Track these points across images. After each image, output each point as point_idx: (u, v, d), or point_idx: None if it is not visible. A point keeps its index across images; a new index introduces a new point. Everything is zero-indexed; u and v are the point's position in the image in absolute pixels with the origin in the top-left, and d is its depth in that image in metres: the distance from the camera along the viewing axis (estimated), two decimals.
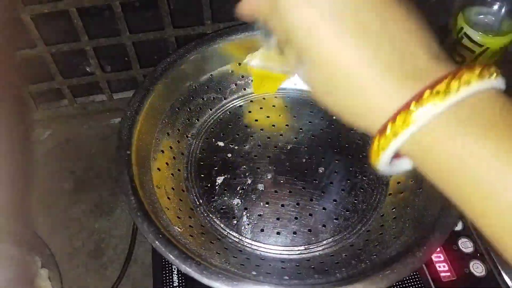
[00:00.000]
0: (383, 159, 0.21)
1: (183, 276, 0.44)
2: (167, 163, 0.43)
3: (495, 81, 0.19)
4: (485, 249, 0.49)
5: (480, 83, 0.19)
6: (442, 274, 0.48)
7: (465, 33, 0.54)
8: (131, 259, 0.51)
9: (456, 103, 0.19)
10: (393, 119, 0.20)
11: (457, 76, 0.19)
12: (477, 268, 0.48)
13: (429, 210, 0.37)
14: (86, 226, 0.54)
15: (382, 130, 0.20)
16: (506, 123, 0.19)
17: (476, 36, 0.53)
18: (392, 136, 0.20)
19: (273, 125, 0.49)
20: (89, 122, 0.65)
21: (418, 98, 0.19)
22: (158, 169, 0.42)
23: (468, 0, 0.56)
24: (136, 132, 0.40)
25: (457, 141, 0.19)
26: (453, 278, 0.47)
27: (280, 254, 0.40)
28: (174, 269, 0.43)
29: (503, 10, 0.52)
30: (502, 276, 0.48)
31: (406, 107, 0.19)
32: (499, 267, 0.48)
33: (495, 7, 0.53)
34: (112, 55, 0.63)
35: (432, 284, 0.47)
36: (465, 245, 0.49)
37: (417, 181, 0.41)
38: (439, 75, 0.19)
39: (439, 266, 0.48)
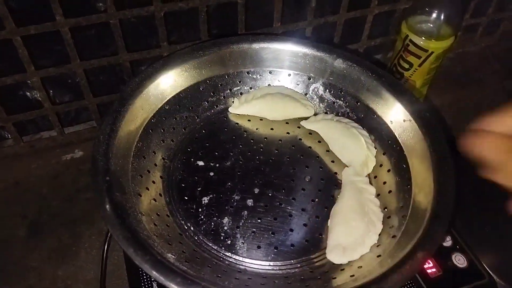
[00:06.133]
0: None
1: None
2: (147, 188, 0.40)
3: None
4: (463, 241, 0.51)
5: None
6: (429, 271, 0.48)
7: (410, 40, 0.58)
8: None
9: None
10: None
11: None
12: (459, 260, 0.50)
13: (422, 203, 0.38)
14: (48, 274, 0.48)
15: None
16: None
17: (420, 41, 0.57)
18: None
19: (252, 140, 0.47)
20: (37, 161, 0.59)
21: None
22: (139, 195, 0.38)
23: (409, 10, 0.60)
24: (112, 156, 0.37)
25: None
26: (440, 273, 0.48)
27: (280, 269, 0.38)
28: None
29: (441, 17, 0.57)
30: (483, 265, 0.50)
31: None
32: (478, 257, 0.49)
33: (434, 15, 0.57)
34: (60, 85, 0.59)
35: (422, 282, 0.47)
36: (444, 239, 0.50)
37: (403, 178, 0.42)
38: None
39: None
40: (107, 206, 0.33)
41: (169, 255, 0.34)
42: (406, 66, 0.60)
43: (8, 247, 0.50)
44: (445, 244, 0.50)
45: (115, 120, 0.39)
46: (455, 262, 0.49)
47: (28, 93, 0.58)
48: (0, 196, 0.55)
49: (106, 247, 0.48)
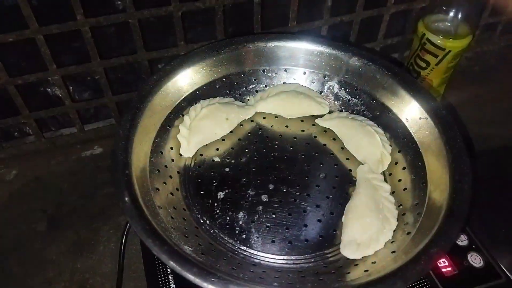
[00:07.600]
0: None
1: None
2: (164, 182, 0.41)
3: None
4: (479, 241, 0.50)
5: None
6: (444, 270, 0.48)
7: (427, 39, 0.57)
8: None
9: None
10: None
11: None
12: (475, 260, 0.49)
13: (437, 201, 0.38)
14: (67, 267, 0.49)
15: None
16: None
17: (437, 40, 0.57)
18: None
19: (267, 137, 0.48)
20: (58, 157, 0.61)
21: None
22: (157, 189, 0.39)
23: (426, 8, 0.60)
24: (131, 151, 0.38)
25: None
26: (455, 272, 0.48)
27: (294, 264, 0.38)
28: None
29: (459, 16, 0.56)
30: (500, 265, 0.49)
31: None
32: (495, 257, 0.49)
33: (451, 14, 0.57)
34: (79, 82, 0.60)
35: (437, 281, 0.47)
36: (460, 239, 0.50)
37: (418, 176, 0.42)
38: None
39: (440, 262, 0.48)
40: (126, 199, 0.34)
41: (186, 247, 0.35)
42: (423, 65, 0.60)
43: (28, 240, 0.51)
44: (461, 243, 0.50)
45: (134, 116, 0.40)
46: (471, 262, 0.48)
47: (49, 90, 0.59)
48: (21, 191, 0.56)
49: (123, 240, 0.49)
